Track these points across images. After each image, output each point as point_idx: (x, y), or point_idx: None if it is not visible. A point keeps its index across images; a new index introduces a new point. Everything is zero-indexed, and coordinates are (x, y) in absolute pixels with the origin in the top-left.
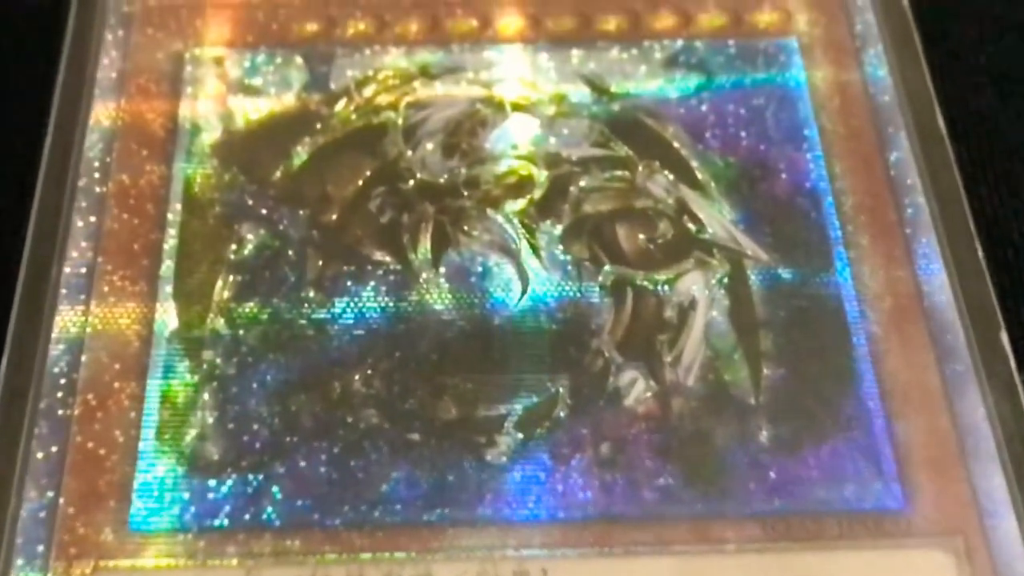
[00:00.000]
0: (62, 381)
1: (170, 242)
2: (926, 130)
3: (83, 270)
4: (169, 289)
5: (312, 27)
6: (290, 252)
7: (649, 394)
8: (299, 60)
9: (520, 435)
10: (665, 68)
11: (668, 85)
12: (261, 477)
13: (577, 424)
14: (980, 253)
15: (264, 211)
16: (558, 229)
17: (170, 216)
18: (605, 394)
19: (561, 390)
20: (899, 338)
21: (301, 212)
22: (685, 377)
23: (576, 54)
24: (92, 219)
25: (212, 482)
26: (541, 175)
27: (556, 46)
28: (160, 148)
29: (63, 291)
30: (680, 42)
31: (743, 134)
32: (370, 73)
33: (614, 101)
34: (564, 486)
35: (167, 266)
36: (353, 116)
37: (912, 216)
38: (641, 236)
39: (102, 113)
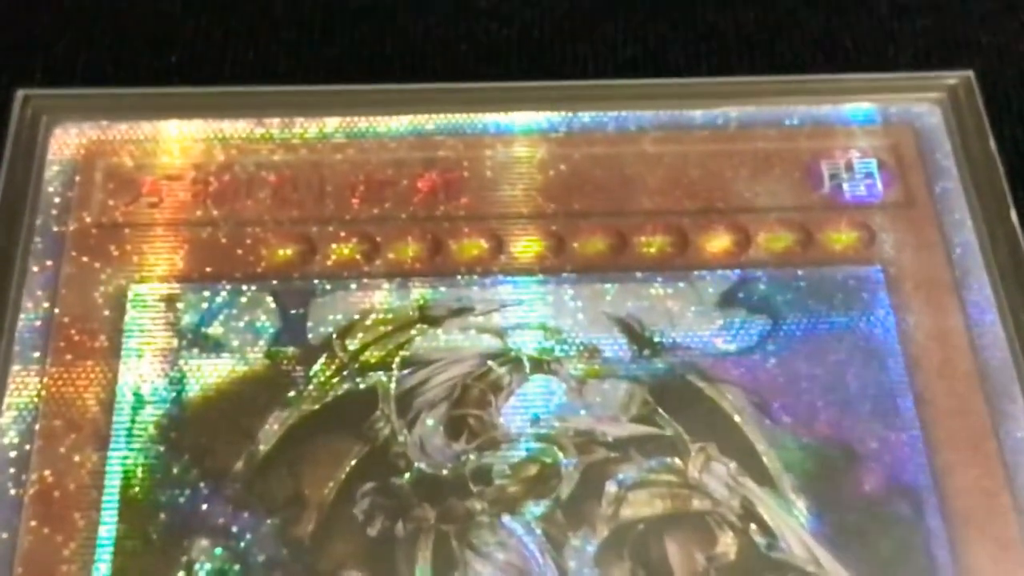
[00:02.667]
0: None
1: (102, 570)
2: None
3: None
4: None
5: (285, 252)
6: None
7: None
8: (269, 300)
9: None
10: (721, 308)
11: (725, 334)
12: None
13: None
14: None
15: (221, 520)
16: (592, 545)
17: (103, 532)
18: None
19: None
20: None
21: (268, 522)
22: None
23: (609, 291)
24: None
25: None
26: (569, 465)
27: (584, 278)
28: (91, 430)
29: None
30: (736, 273)
31: (819, 404)
32: (356, 317)
33: (658, 356)
34: None
35: None
36: (335, 380)
37: None
38: (698, 554)
39: (20, 384)
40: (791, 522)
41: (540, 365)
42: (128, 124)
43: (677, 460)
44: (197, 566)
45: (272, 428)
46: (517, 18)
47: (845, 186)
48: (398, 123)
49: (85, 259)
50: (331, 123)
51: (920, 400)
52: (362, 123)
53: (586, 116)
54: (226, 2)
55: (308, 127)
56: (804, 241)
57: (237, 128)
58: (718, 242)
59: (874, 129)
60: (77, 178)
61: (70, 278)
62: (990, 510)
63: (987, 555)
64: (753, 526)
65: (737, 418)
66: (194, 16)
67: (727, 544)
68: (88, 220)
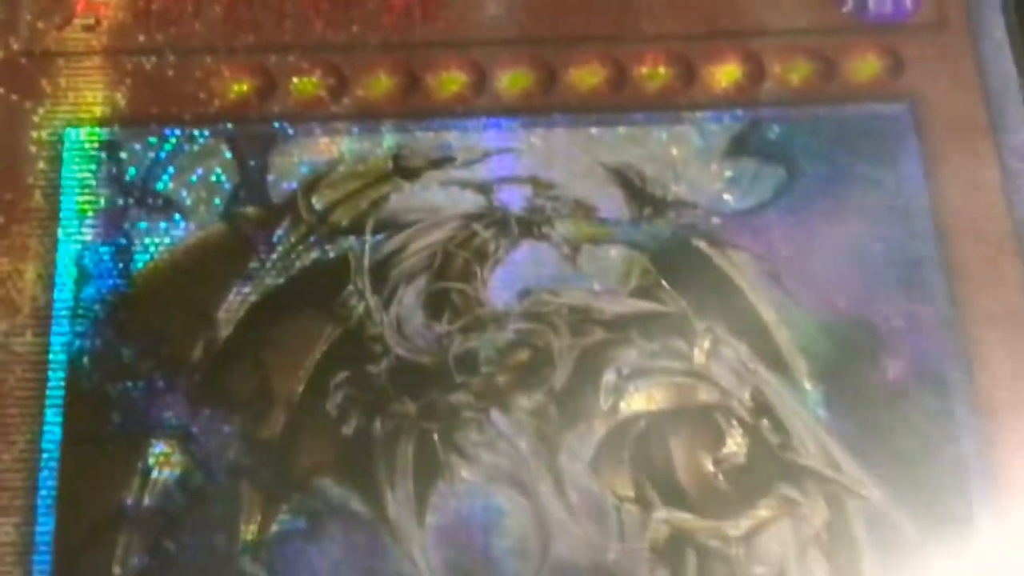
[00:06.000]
0: None
1: (48, 480)
2: None
3: None
4: (47, 564)
5: (241, 87)
6: (217, 492)
7: None
8: (224, 149)
9: None
10: (730, 157)
11: (734, 188)
12: None
13: None
14: None
15: (179, 420)
16: (589, 447)
17: (47, 433)
18: None
19: None
20: None
21: (232, 420)
22: None
23: (606, 136)
24: None
25: None
26: (563, 347)
27: (578, 120)
28: (30, 310)
29: None
30: (748, 113)
31: (840, 273)
32: (323, 169)
33: (660, 216)
34: None
35: (44, 525)
36: (301, 247)
37: None
38: (705, 456)
39: None
40: (806, 416)
41: (529, 228)
42: None
43: (682, 343)
44: (155, 474)
45: (233, 307)
46: None
47: (870, 1)
48: None
49: (14, 97)
50: None
51: (953, 269)
52: None
53: None
54: None
55: None
56: (824, 72)
57: None
58: (727, 73)
59: None
60: None
61: None
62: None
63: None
64: (765, 421)
65: (748, 291)
66: None
67: (736, 443)
68: (15, 47)
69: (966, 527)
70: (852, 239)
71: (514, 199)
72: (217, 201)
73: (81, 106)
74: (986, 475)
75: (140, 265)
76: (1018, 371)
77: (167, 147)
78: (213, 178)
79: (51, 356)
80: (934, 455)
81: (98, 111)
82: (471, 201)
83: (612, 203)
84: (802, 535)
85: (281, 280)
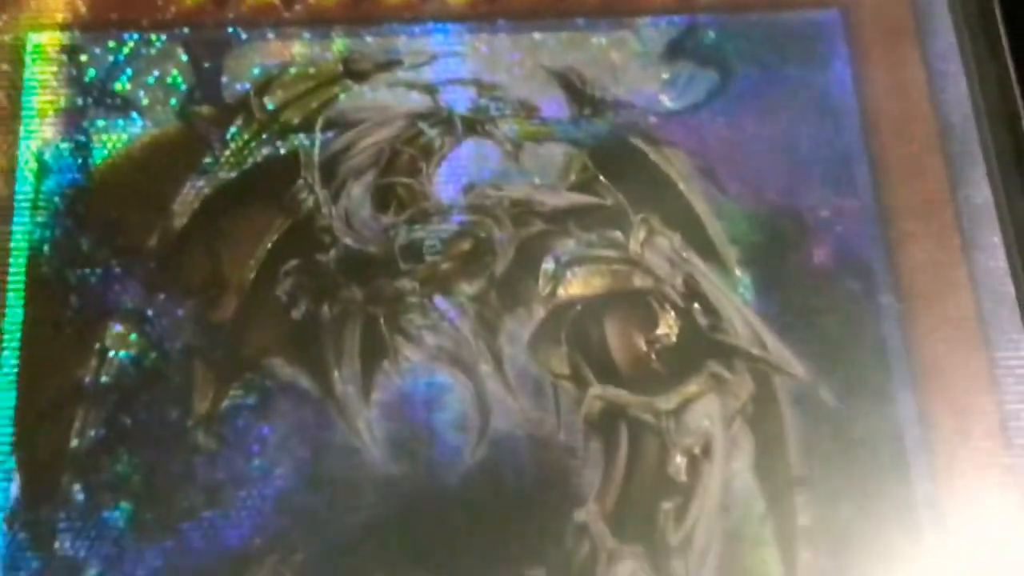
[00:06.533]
0: None
1: (8, 359)
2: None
3: None
4: (7, 435)
5: None
6: (171, 370)
7: None
8: (180, 52)
9: None
10: (667, 60)
11: (670, 90)
12: None
13: None
14: None
15: (135, 303)
16: (528, 329)
17: (8, 315)
18: None
19: None
20: (984, 505)
21: (185, 304)
22: (698, 571)
23: (548, 41)
24: None
25: None
26: (504, 238)
27: (521, 26)
28: None
29: None
30: (685, 18)
31: (769, 168)
32: (275, 72)
33: (599, 116)
34: None
35: (5, 400)
36: (253, 144)
37: (994, 308)
38: (638, 337)
39: None
40: (735, 300)
41: (474, 126)
42: None
43: (618, 233)
44: (111, 354)
45: (187, 199)
46: None
47: None
48: None
49: None
50: None
51: (876, 163)
52: None
53: None
54: None
55: None
56: None
57: None
58: None
59: None
60: None
61: None
62: (945, 286)
63: (940, 335)
64: (696, 305)
65: (682, 185)
66: None
67: (668, 325)
68: None
69: (884, 399)
70: (782, 137)
71: (459, 99)
72: (173, 101)
73: (43, 12)
74: (904, 352)
75: (98, 161)
76: (935, 258)
77: (125, 50)
78: (169, 80)
79: (13, 244)
80: (855, 334)
81: (60, 16)
82: (418, 101)
83: (554, 104)
84: (729, 408)
85: (234, 175)
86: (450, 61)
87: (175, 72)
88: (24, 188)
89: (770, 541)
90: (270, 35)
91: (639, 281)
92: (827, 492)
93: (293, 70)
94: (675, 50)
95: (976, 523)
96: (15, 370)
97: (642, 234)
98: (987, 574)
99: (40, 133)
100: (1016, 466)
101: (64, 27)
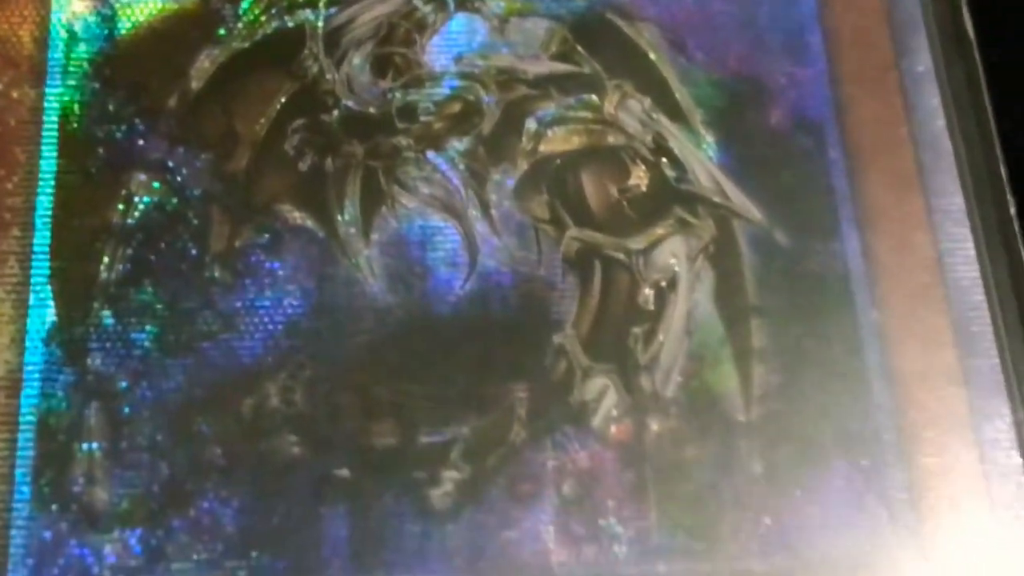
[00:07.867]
0: None
1: (44, 202)
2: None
3: None
4: (44, 268)
5: None
6: (190, 214)
7: (621, 411)
8: None
9: (469, 468)
10: None
11: None
12: (161, 533)
13: (536, 454)
14: (1013, 210)
15: (157, 155)
16: (512, 179)
17: (44, 165)
18: (571, 411)
19: (517, 404)
20: (919, 328)
21: (203, 156)
22: (663, 386)
23: None
24: None
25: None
26: (491, 102)
27: None
28: (28, 66)
29: None
30: None
31: (732, 40)
32: None
33: None
34: (521, 536)
35: (42, 238)
36: (263, 18)
37: (932, 161)
38: (611, 187)
39: None
40: (700, 155)
41: (464, 2)
42: None
43: (594, 97)
44: (136, 199)
45: (204, 65)
46: None
47: None
48: None
49: None
50: None
51: (829, 34)
52: None
53: None
54: None
55: None
56: None
57: None
58: None
59: None
60: None
61: None
62: (888, 142)
63: (884, 185)
64: (664, 160)
65: (653, 55)
66: None
67: (639, 177)
68: None
69: (832, 238)
70: (744, 11)
71: None
72: None
73: None
74: (851, 199)
75: (123, 31)
76: (880, 116)
77: None
78: None
79: (46, 104)
80: (808, 185)
81: None
82: None
83: None
84: (693, 248)
85: (246, 44)
86: None
87: None
88: (56, 55)
89: (727, 360)
90: None
91: (613, 139)
92: (779, 319)
93: None
94: None
95: (914, 345)
96: (50, 211)
97: (616, 98)
98: (925, 385)
99: (70, 5)
100: (950, 296)
101: None
